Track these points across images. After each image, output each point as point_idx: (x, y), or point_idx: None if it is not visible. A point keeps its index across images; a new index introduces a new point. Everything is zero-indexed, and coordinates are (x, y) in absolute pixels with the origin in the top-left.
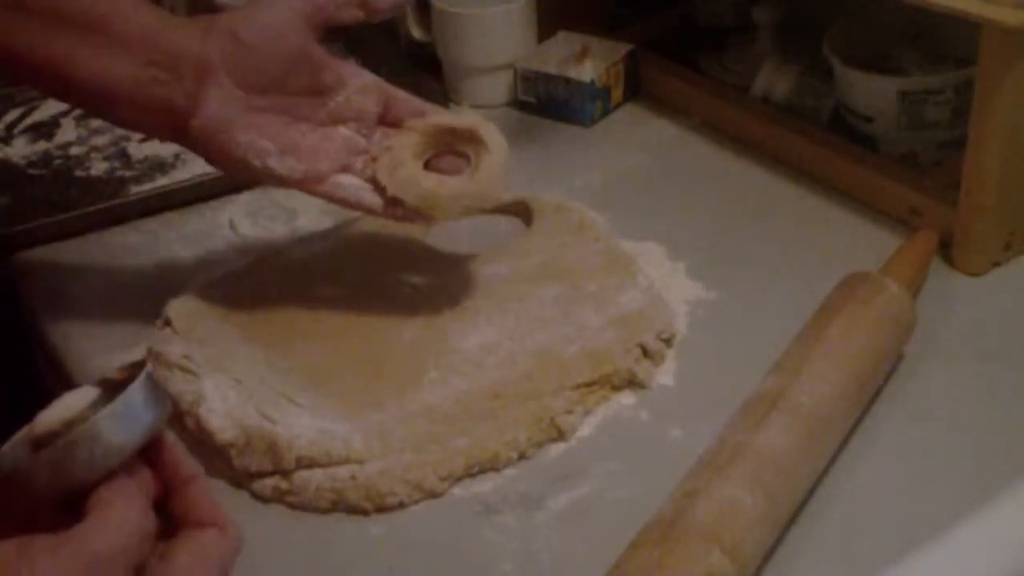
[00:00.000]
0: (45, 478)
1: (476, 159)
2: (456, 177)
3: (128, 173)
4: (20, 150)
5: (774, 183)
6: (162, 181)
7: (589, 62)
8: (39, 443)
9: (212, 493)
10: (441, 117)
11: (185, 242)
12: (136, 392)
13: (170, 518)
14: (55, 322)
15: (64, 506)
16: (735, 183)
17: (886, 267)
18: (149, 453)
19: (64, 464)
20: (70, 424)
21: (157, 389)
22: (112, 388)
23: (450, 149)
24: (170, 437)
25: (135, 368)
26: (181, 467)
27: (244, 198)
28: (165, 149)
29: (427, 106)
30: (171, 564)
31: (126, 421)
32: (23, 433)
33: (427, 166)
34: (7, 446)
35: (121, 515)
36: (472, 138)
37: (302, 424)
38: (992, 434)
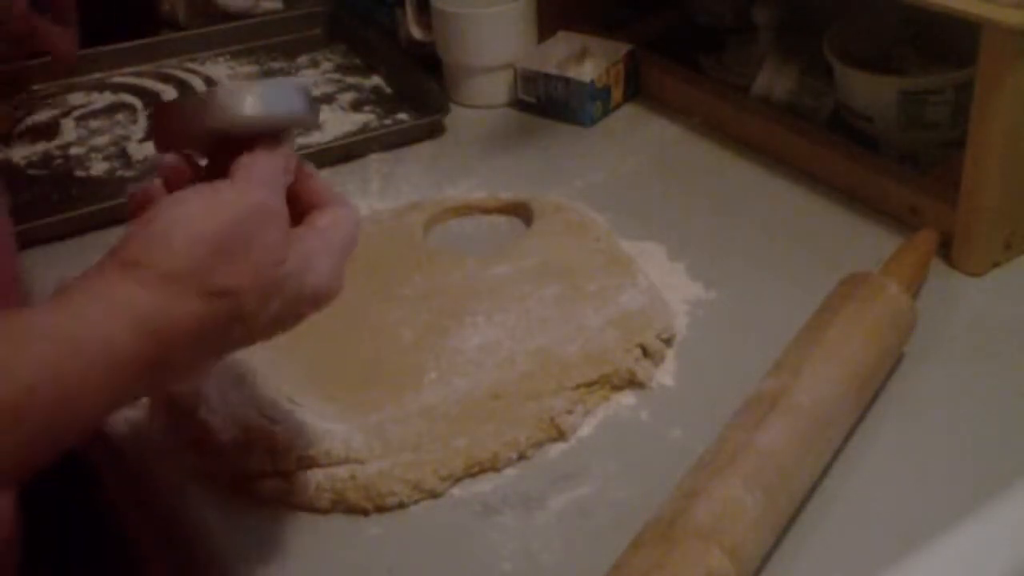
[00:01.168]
0: (214, 114)
1: None
2: None
3: (128, 173)
4: (20, 150)
5: (774, 183)
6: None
7: (589, 62)
8: None
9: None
10: None
11: None
12: (289, 82)
13: (298, 204)
14: None
15: (216, 150)
16: (735, 183)
17: (886, 267)
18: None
19: (227, 106)
20: None
21: (308, 94)
22: None
23: None
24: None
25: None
26: (303, 164)
27: None
28: None
29: None
30: (314, 226)
31: (277, 95)
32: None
33: None
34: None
35: (264, 158)
36: None
37: (302, 424)
38: (992, 434)
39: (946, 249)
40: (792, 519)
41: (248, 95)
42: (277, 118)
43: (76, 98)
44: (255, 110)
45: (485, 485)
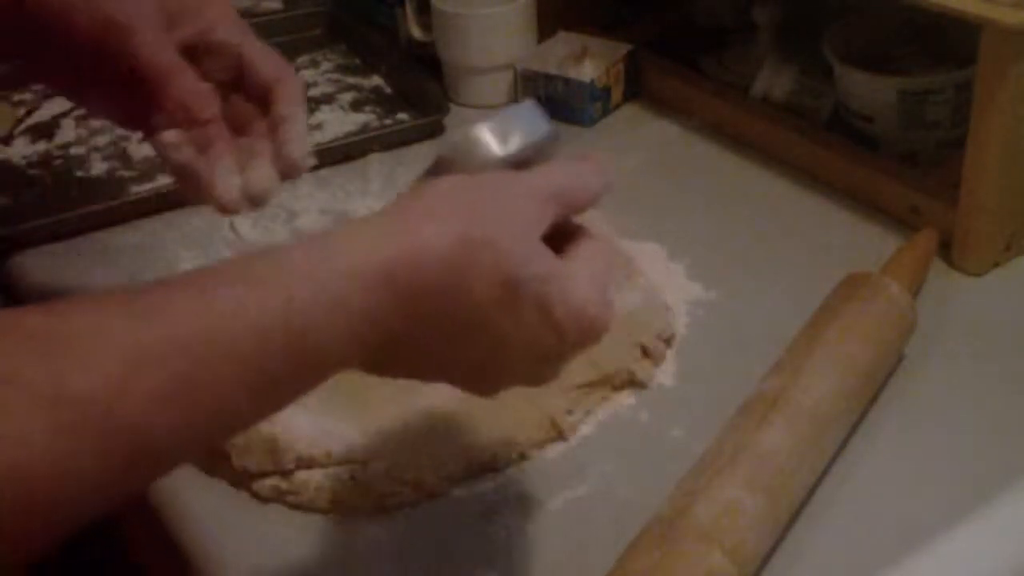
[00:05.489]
0: (460, 162)
1: None
2: None
3: (128, 173)
4: (20, 150)
5: (774, 183)
6: (162, 181)
7: (589, 62)
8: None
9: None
10: None
11: (185, 242)
12: (525, 106)
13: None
14: None
15: None
16: (735, 183)
17: (886, 267)
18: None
19: (468, 156)
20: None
21: (543, 113)
22: None
23: None
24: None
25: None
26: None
27: None
28: None
29: None
30: (575, 254)
31: (519, 121)
32: None
33: None
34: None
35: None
36: None
37: (302, 424)
38: (992, 434)
39: (946, 249)
40: (792, 519)
41: (493, 134)
42: (530, 146)
43: None
44: (509, 149)
45: (485, 485)
